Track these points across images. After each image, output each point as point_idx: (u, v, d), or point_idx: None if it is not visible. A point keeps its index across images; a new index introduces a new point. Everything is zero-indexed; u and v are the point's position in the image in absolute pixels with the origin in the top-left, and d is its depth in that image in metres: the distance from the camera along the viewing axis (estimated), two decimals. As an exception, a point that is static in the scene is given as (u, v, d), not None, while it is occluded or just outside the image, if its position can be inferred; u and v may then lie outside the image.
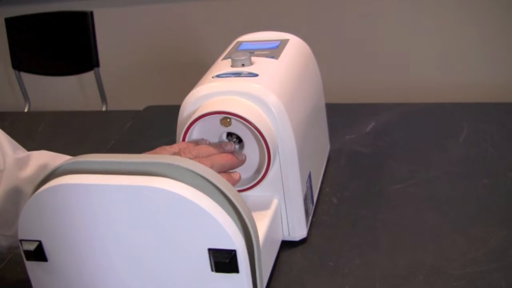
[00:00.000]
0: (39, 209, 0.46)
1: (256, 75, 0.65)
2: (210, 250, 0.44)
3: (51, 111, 1.26)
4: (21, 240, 0.48)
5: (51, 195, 0.45)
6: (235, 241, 0.43)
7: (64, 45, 1.89)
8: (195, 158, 0.58)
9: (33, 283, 0.50)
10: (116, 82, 2.20)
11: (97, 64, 1.85)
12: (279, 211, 0.67)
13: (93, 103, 2.07)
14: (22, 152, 0.60)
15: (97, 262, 0.47)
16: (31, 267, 0.49)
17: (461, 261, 0.63)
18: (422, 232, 0.69)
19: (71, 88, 2.42)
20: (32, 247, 0.47)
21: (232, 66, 0.69)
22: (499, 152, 0.85)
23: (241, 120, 0.60)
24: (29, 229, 0.47)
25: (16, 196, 0.56)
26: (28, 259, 0.48)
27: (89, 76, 1.90)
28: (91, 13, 1.79)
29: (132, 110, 1.16)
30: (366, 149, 0.90)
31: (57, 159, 0.60)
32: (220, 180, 0.44)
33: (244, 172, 0.65)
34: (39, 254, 0.48)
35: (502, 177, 0.78)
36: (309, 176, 0.71)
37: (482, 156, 0.84)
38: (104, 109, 1.94)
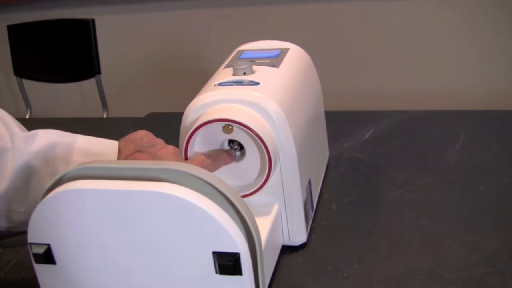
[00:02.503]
0: (48, 213, 0.47)
1: (257, 83, 0.67)
2: (214, 253, 0.45)
3: (52, 118, 1.27)
4: (30, 244, 0.49)
5: (60, 200, 0.46)
6: (238, 245, 0.44)
7: (65, 52, 1.91)
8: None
9: (42, 285, 0.51)
10: (118, 89, 2.21)
11: (98, 71, 1.86)
12: (280, 217, 0.68)
13: (94, 110, 2.08)
14: (28, 131, 0.61)
15: (103, 265, 0.48)
16: (40, 270, 0.50)
17: (457, 265, 0.64)
18: (419, 237, 0.70)
19: (72, 95, 2.43)
20: (41, 250, 0.48)
21: (233, 74, 0.70)
22: (495, 159, 0.86)
23: (243, 128, 0.62)
24: (38, 232, 0.48)
25: (27, 171, 0.57)
26: (37, 262, 0.49)
27: (90, 83, 1.92)
28: (93, 20, 1.81)
29: (133, 117, 1.17)
30: (364, 156, 0.91)
31: (64, 137, 0.60)
32: (224, 186, 0.46)
33: (246, 178, 0.67)
34: (48, 257, 0.49)
35: (497, 183, 0.79)
36: (309, 182, 0.72)
37: (478, 162, 0.85)
38: (105, 116, 1.95)
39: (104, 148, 0.61)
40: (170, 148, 0.62)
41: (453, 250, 0.67)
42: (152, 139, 0.64)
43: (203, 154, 0.63)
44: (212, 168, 0.63)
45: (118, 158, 0.61)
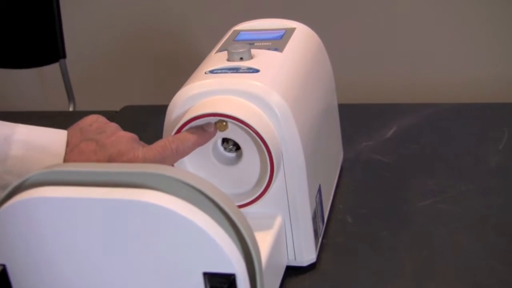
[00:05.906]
0: (4, 227, 0.47)
1: (257, 70, 0.67)
2: (205, 274, 0.45)
3: (6, 112, 1.27)
4: (-19, 264, 0.49)
5: (20, 210, 0.47)
6: (234, 264, 0.44)
7: (23, 31, 1.90)
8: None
9: (-4, 314, 0.52)
10: (87, 77, 2.21)
11: (63, 55, 1.86)
12: (284, 231, 0.68)
13: (58, 102, 2.08)
14: None
15: (72, 287, 0.49)
16: (-7, 295, 0.50)
17: (499, 291, 0.65)
18: (454, 256, 0.70)
19: (31, 83, 2.43)
20: (-6, 271, 0.49)
21: (228, 60, 0.71)
22: (544, 162, 0.86)
23: (239, 124, 0.62)
24: (-9, 250, 0.49)
25: None
26: (-11, 285, 0.50)
27: (53, 69, 1.91)
28: (57, -6, 1.81)
29: (106, 110, 1.17)
30: (386, 158, 0.91)
31: (0, 127, 0.60)
32: (217, 194, 0.46)
33: (243, 185, 0.67)
34: (2, 280, 0.49)
35: (547, 192, 0.80)
36: (319, 190, 0.72)
37: (524, 167, 0.86)
38: (71, 109, 1.95)
39: (50, 139, 0.61)
40: (123, 134, 0.62)
41: (494, 273, 0.67)
42: (103, 124, 0.63)
43: (168, 137, 0.62)
44: (179, 155, 0.62)
45: (66, 150, 0.61)
